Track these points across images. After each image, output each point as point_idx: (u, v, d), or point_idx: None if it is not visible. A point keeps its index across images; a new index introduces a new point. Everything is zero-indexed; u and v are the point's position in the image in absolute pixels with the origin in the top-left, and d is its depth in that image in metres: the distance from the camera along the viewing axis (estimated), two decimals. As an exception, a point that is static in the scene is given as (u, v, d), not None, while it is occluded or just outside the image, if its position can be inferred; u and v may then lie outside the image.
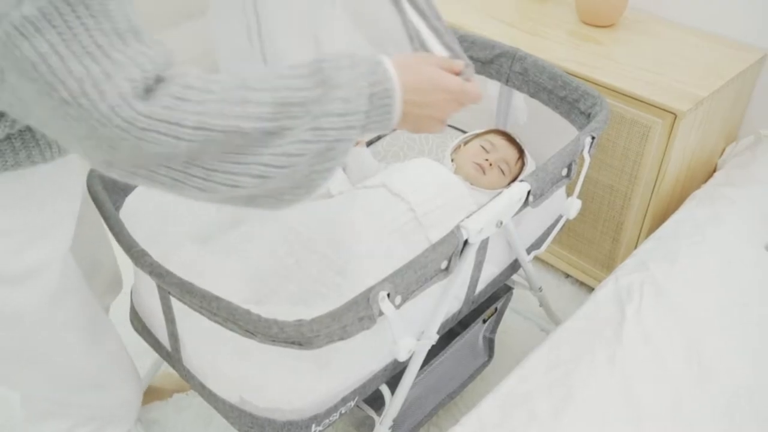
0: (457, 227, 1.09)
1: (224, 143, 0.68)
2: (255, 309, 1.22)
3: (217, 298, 0.96)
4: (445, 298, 1.19)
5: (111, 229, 1.08)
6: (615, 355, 1.29)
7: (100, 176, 1.17)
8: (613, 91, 1.67)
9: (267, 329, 0.93)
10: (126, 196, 1.25)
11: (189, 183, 0.69)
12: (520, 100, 1.57)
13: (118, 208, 1.22)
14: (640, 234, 1.81)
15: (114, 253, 1.39)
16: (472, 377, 1.59)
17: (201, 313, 1.00)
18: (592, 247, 1.94)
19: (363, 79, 0.76)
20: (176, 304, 1.10)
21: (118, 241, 1.07)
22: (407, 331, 1.15)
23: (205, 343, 1.14)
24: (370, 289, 0.97)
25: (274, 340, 0.96)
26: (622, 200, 1.80)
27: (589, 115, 1.39)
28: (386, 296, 0.99)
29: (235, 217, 1.40)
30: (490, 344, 1.63)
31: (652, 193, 1.73)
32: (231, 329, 0.98)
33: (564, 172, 1.28)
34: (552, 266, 2.09)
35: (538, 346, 1.32)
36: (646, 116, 1.63)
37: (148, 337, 1.28)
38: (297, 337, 0.94)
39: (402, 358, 1.08)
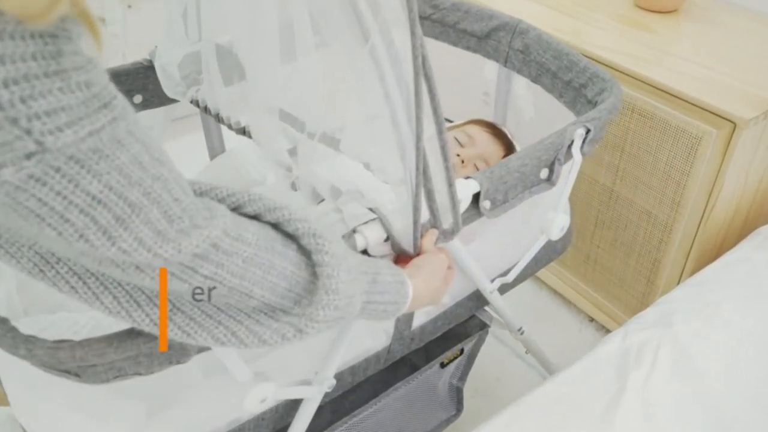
0: (350, 233, 0.76)
1: (220, 297, 0.60)
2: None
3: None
4: (346, 330, 0.85)
5: None
6: (597, 443, 0.91)
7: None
8: (657, 88, 1.28)
9: (13, 348, 0.63)
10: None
11: (142, 310, 0.60)
12: (521, 86, 1.21)
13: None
14: (681, 276, 1.41)
15: None
16: (431, 435, 1.24)
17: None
18: (623, 288, 1.54)
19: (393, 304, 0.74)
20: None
21: None
22: (280, 370, 0.83)
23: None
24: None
25: (42, 365, 0.66)
26: (661, 231, 1.40)
27: (596, 105, 1.03)
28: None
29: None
30: (457, 395, 1.26)
31: (699, 225, 1.33)
32: None
33: (543, 173, 0.92)
34: (573, 305, 1.70)
35: (491, 418, 0.95)
36: (696, 124, 1.24)
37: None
38: (57, 364, 0.64)
39: (251, 409, 0.75)
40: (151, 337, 0.66)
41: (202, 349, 0.70)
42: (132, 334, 0.65)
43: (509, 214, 0.91)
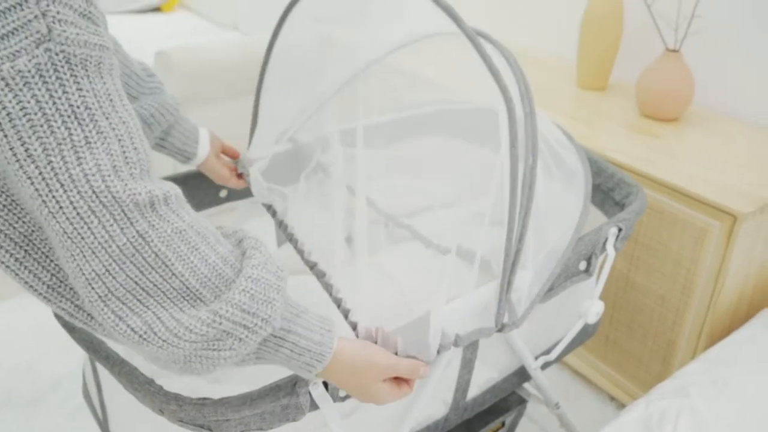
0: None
1: (147, 269, 0.60)
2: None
3: (122, 362, 0.82)
4: (418, 400, 0.99)
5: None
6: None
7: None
8: (666, 187, 1.47)
9: (164, 404, 0.78)
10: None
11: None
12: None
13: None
14: (694, 355, 1.55)
15: None
16: (470, 503, 1.35)
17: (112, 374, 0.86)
18: (640, 368, 1.68)
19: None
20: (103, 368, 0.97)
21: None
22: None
23: (130, 416, 0.99)
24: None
25: (180, 421, 0.80)
26: (674, 315, 1.55)
27: (623, 206, 1.20)
28: (322, 384, 0.82)
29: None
30: (497, 465, 1.38)
31: (708, 309, 1.48)
32: (140, 401, 0.83)
33: (582, 265, 1.09)
34: (594, 385, 1.83)
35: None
36: (701, 217, 1.42)
37: (89, 404, 1.14)
38: (198, 419, 0.78)
39: None
40: (278, 395, 0.80)
41: (313, 409, 0.84)
42: (262, 392, 0.79)
43: (552, 300, 1.07)
